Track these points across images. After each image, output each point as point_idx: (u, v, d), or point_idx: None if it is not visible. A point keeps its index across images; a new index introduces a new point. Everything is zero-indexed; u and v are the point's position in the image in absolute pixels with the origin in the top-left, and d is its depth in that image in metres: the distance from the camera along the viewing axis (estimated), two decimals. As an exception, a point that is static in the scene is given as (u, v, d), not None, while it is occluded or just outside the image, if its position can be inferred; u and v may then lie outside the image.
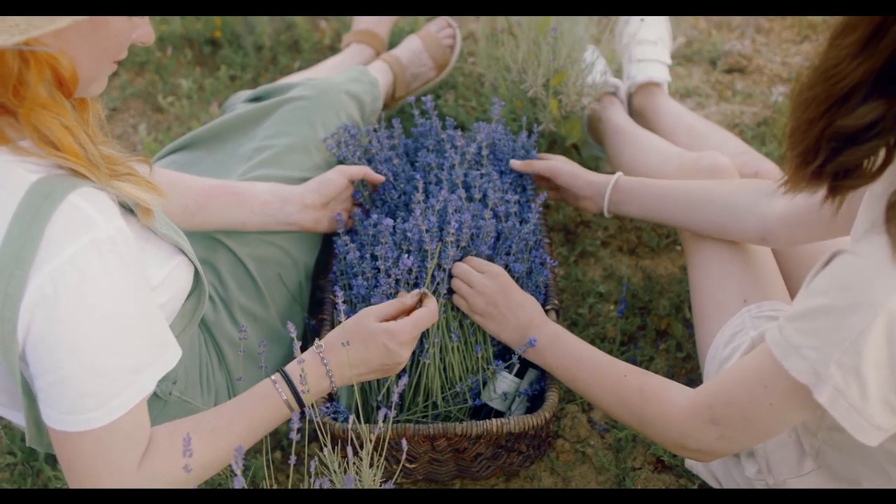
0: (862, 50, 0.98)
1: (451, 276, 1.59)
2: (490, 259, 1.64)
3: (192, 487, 1.21)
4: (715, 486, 1.56)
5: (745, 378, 1.17)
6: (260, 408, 1.28)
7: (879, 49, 0.96)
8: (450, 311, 1.58)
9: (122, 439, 1.15)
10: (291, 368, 1.32)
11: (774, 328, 1.13)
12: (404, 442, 1.25)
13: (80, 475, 1.16)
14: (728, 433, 1.21)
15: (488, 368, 1.57)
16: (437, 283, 1.55)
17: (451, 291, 1.58)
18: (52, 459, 1.69)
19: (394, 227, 1.61)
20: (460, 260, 1.61)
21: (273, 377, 1.31)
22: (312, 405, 1.34)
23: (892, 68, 0.97)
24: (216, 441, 1.24)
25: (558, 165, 1.78)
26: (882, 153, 1.02)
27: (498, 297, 1.53)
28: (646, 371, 1.37)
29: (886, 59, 0.96)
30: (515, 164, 1.79)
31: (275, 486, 1.60)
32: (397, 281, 1.54)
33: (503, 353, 1.62)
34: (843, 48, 0.99)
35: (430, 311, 1.42)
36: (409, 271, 1.54)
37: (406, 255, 1.53)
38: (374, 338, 1.35)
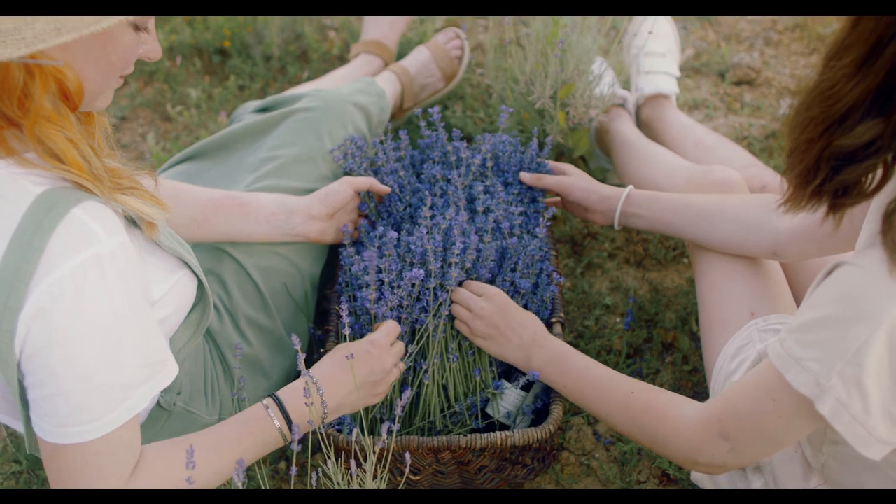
0: (858, 70, 0.99)
1: (489, 280, 1.60)
2: (493, 277, 1.64)
3: None
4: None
5: (754, 391, 1.17)
6: (251, 432, 1.28)
7: (875, 69, 0.98)
8: (449, 332, 1.58)
9: (112, 454, 1.15)
10: (285, 394, 1.33)
11: (776, 341, 1.13)
12: (407, 455, 1.24)
13: (64, 486, 1.15)
14: (738, 447, 1.21)
15: (487, 390, 1.57)
16: (440, 304, 1.55)
17: (452, 315, 1.59)
18: (57, 468, 1.69)
19: (398, 240, 1.61)
20: (462, 282, 1.60)
21: (265, 402, 1.31)
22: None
23: (888, 87, 0.98)
24: (204, 460, 1.23)
25: (570, 182, 1.76)
26: (880, 169, 1.03)
27: (497, 318, 1.53)
28: (653, 386, 1.36)
29: (882, 79, 0.98)
30: (525, 177, 1.78)
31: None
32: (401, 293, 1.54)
33: (508, 372, 1.62)
34: (838, 69, 1.00)
35: (390, 326, 1.49)
36: (413, 284, 1.54)
37: (411, 269, 1.53)
38: (357, 350, 1.41)
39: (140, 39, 1.16)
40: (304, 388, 1.29)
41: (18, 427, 1.32)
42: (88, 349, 1.09)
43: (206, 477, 1.24)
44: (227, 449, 1.26)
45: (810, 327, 1.09)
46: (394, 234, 1.56)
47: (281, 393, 1.33)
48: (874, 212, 1.08)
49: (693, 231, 1.63)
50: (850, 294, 1.05)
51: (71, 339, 1.08)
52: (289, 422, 1.31)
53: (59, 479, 1.16)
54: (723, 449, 1.22)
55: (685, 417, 1.27)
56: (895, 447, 1.09)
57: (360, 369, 1.40)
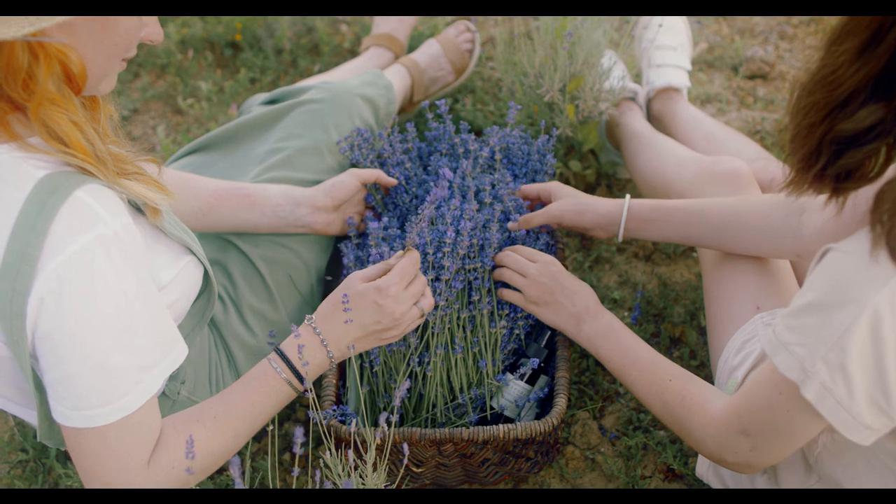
0: (860, 55, 0.99)
1: (492, 269, 1.61)
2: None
3: (202, 478, 1.24)
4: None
5: (763, 385, 1.18)
6: (260, 390, 1.29)
7: (877, 54, 0.98)
8: (455, 322, 1.57)
9: (130, 438, 1.16)
10: (287, 345, 1.32)
11: (769, 328, 1.15)
12: (406, 446, 1.24)
13: (88, 472, 1.17)
14: (759, 444, 1.21)
15: (491, 381, 1.56)
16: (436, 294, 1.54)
17: (467, 289, 1.57)
18: (63, 457, 1.70)
19: (401, 231, 1.60)
20: (505, 249, 1.62)
21: (269, 356, 1.31)
22: (316, 408, 1.34)
23: (890, 72, 0.98)
24: (221, 427, 1.25)
25: (560, 210, 1.64)
26: (883, 153, 1.03)
27: (552, 285, 1.55)
28: (691, 377, 1.37)
29: (885, 64, 0.98)
30: (513, 226, 1.68)
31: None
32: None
33: (513, 365, 1.61)
34: (840, 54, 1.00)
35: (411, 259, 1.40)
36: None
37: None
38: (363, 297, 1.35)
39: (142, 22, 1.17)
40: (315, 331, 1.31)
41: (32, 418, 1.33)
42: (98, 330, 1.10)
43: (226, 445, 1.25)
44: (242, 412, 1.27)
45: (797, 313, 1.10)
46: (375, 224, 1.57)
47: (284, 345, 1.33)
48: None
49: (710, 241, 1.57)
50: (835, 279, 1.06)
51: (80, 320, 1.09)
52: (295, 371, 1.30)
53: (84, 464, 1.17)
54: (745, 447, 1.22)
55: (711, 413, 1.28)
56: (882, 432, 1.10)
57: (367, 318, 1.35)
